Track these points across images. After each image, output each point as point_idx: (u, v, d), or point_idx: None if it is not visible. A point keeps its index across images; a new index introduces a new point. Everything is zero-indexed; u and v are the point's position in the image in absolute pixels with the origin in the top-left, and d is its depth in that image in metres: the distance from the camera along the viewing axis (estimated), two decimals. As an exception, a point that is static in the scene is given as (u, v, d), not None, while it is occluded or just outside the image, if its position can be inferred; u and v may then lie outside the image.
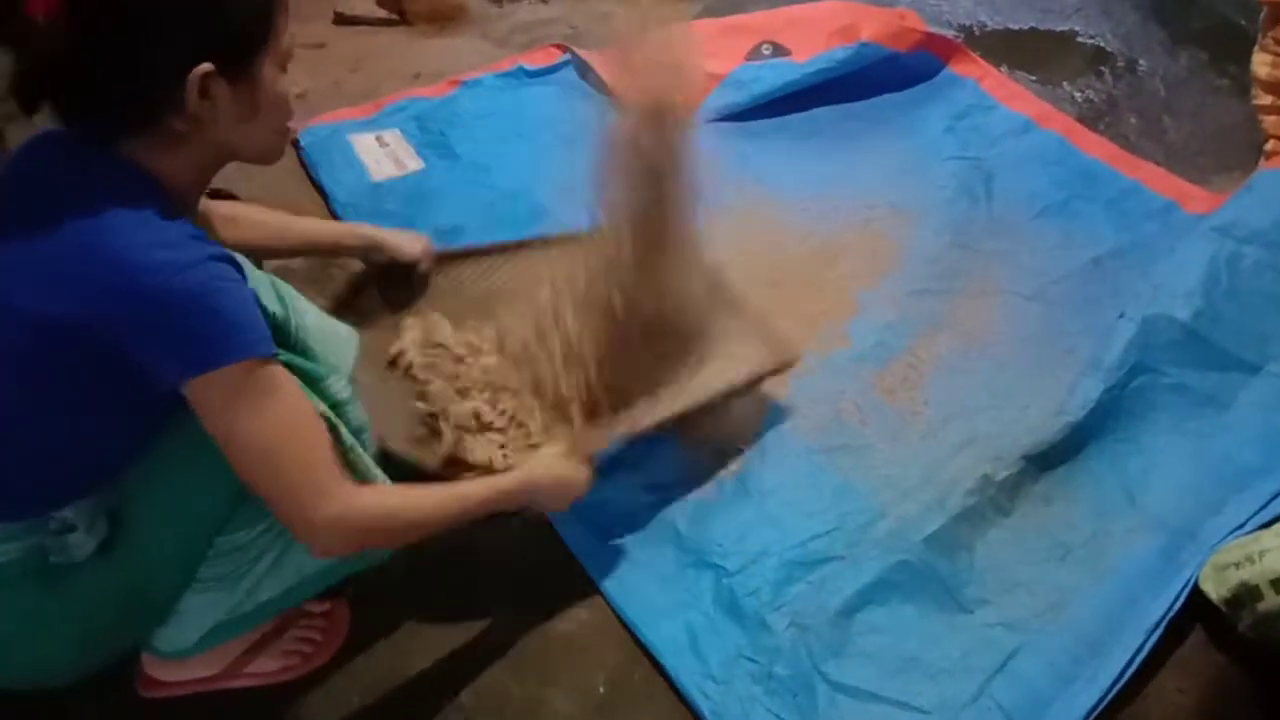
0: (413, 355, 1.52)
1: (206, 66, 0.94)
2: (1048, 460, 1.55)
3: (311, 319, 1.24)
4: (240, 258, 1.02)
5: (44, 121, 1.01)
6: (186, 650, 1.17)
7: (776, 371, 1.59)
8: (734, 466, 1.57)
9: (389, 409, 1.42)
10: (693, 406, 1.47)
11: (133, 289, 0.90)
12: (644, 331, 1.52)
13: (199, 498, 1.06)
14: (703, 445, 1.59)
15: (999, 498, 1.50)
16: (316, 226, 1.56)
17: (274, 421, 0.96)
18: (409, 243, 1.58)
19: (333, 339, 1.25)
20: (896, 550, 1.41)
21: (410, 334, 1.54)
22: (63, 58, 0.94)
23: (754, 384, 1.57)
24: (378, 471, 1.14)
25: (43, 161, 1.00)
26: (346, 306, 1.52)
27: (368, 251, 1.56)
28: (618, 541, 1.46)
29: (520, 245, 1.71)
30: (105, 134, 0.97)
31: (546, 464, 1.29)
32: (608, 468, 1.49)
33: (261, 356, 0.95)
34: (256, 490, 0.99)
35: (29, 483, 1.01)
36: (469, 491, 1.16)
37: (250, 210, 1.40)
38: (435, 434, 1.44)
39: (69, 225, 0.92)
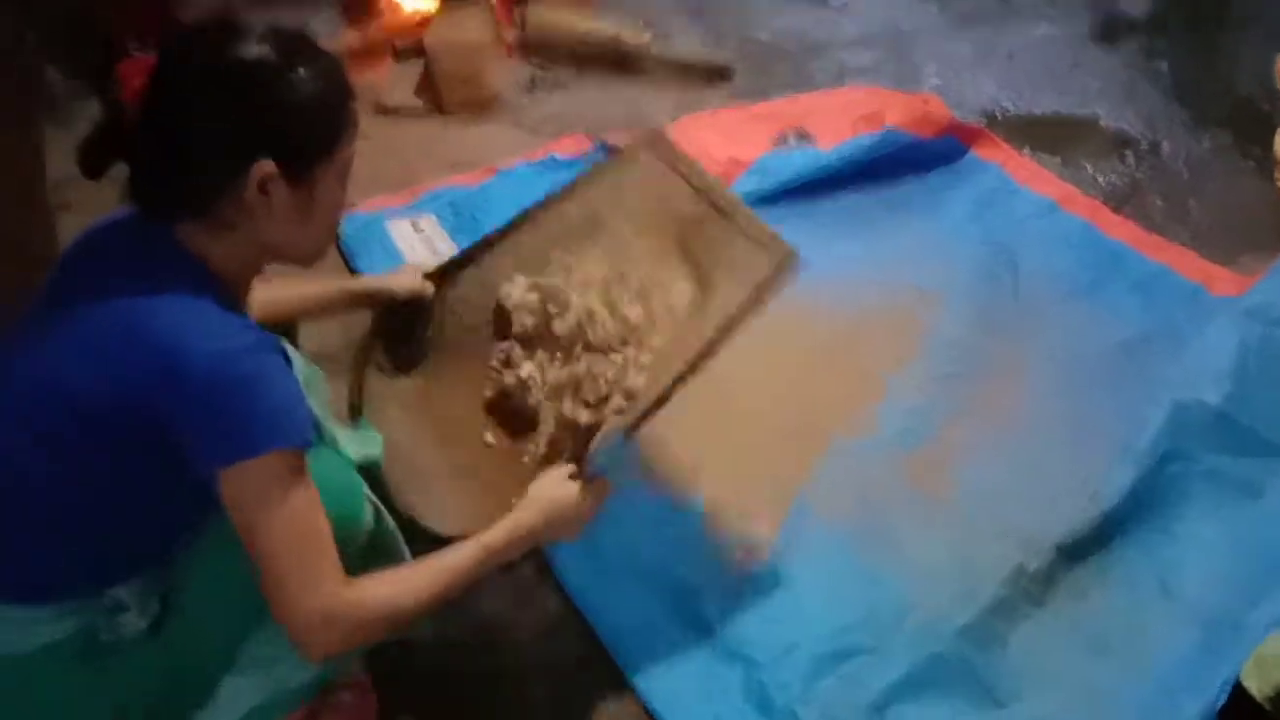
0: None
1: (270, 166, 0.99)
2: (1081, 549, 1.54)
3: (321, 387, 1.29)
4: (284, 347, 1.05)
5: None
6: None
7: (779, 273, 1.45)
8: (763, 556, 1.57)
9: (419, 476, 1.41)
10: (707, 347, 1.38)
11: (182, 374, 0.94)
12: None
13: (248, 577, 1.08)
14: (731, 532, 1.60)
15: (1032, 588, 1.49)
16: (322, 289, 1.52)
17: (284, 523, 0.97)
18: (406, 280, 1.55)
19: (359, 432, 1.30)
20: (928, 643, 1.40)
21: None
22: (139, 133, 1.00)
23: (762, 296, 1.44)
24: (403, 547, 1.18)
25: (103, 246, 1.05)
26: (366, 364, 1.52)
27: (372, 301, 1.54)
28: (646, 633, 1.46)
29: (507, 231, 1.63)
30: (166, 212, 1.02)
31: (536, 501, 1.22)
32: (639, 553, 1.50)
33: (296, 447, 0.98)
34: (256, 577, 0.99)
35: (82, 563, 1.03)
36: (456, 560, 1.12)
37: (260, 290, 1.41)
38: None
39: (124, 309, 0.97)
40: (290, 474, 0.98)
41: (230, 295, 1.04)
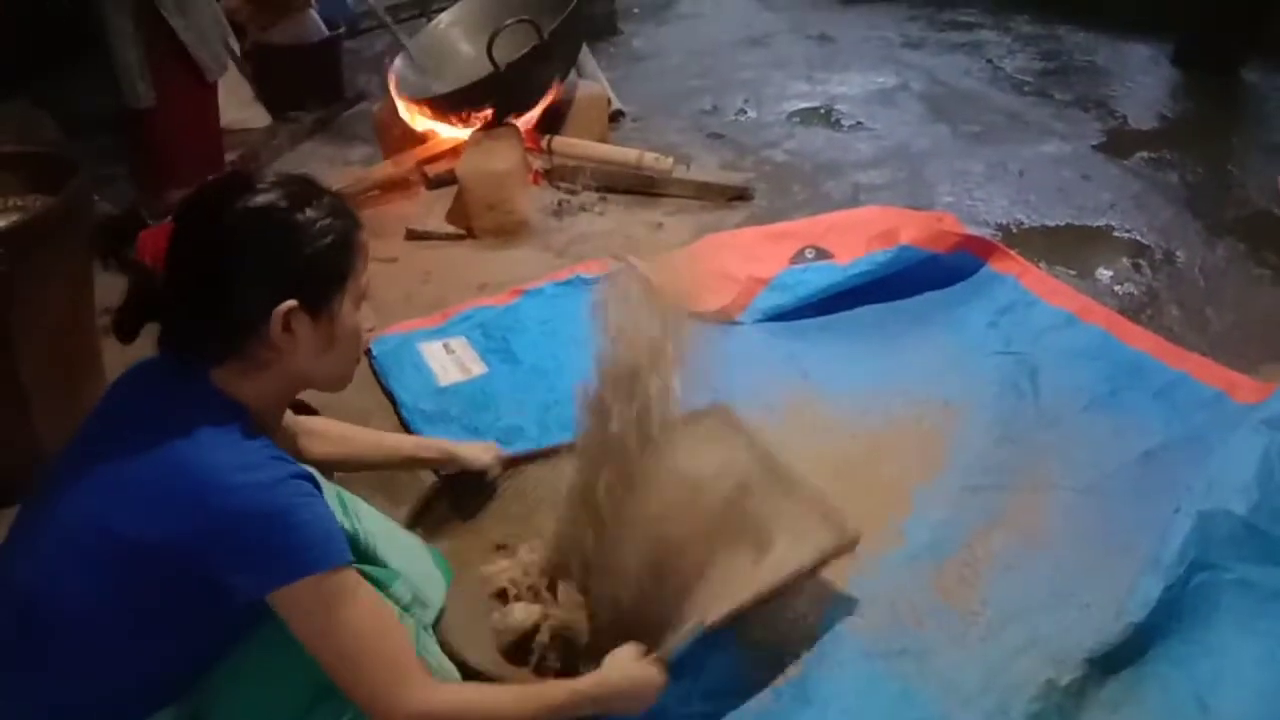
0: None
1: (290, 304, 1.06)
2: (1112, 663, 1.52)
3: (378, 527, 1.32)
4: (314, 471, 1.10)
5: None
6: None
7: (841, 550, 1.56)
8: (791, 672, 1.56)
9: (465, 617, 1.44)
10: (763, 593, 1.46)
11: (219, 509, 0.99)
12: (686, 531, 1.53)
13: (279, 699, 1.11)
14: (761, 647, 1.59)
15: (1064, 704, 1.47)
16: (397, 441, 1.66)
17: (355, 625, 1.02)
18: (481, 452, 1.66)
19: (401, 546, 1.33)
20: (962, 761, 1.38)
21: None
22: (163, 297, 1.06)
23: (821, 565, 1.54)
24: (450, 666, 1.19)
25: (138, 390, 1.11)
26: (421, 516, 1.61)
27: (442, 463, 1.64)
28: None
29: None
30: (197, 362, 1.08)
31: (622, 667, 1.29)
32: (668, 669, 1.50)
33: (340, 566, 1.02)
34: (344, 691, 1.03)
35: (111, 692, 1.06)
36: (546, 693, 1.19)
37: (333, 425, 1.51)
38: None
39: (161, 450, 1.02)
40: (341, 590, 1.02)
41: (264, 428, 1.10)
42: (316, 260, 1.08)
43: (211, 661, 1.12)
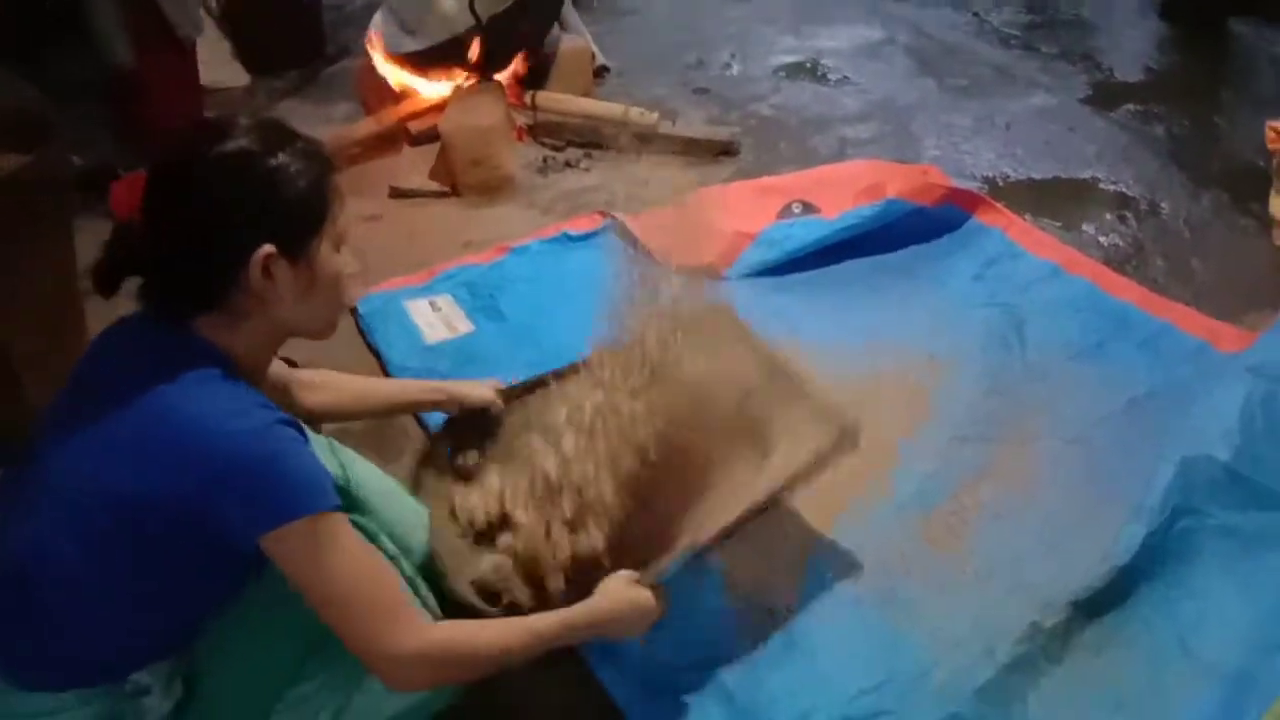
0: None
1: (268, 249, 1.05)
2: (1097, 607, 1.54)
3: (368, 477, 1.33)
4: (300, 423, 1.09)
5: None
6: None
7: (840, 449, 1.53)
8: (781, 620, 1.57)
9: (457, 555, 1.46)
10: (758, 504, 1.45)
11: (209, 456, 0.99)
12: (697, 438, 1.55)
13: (272, 653, 1.11)
14: (749, 597, 1.61)
15: (1050, 646, 1.49)
16: (394, 388, 1.65)
17: (347, 568, 1.03)
18: (480, 390, 1.64)
19: (390, 497, 1.33)
20: (948, 703, 1.41)
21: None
22: (141, 250, 1.06)
23: (821, 466, 1.52)
24: (437, 611, 1.20)
25: (121, 346, 1.10)
26: (428, 463, 1.59)
27: (442, 405, 1.62)
28: (666, 700, 1.46)
29: (578, 366, 1.70)
30: (179, 313, 1.07)
31: (613, 593, 1.29)
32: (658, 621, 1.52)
33: (328, 510, 1.03)
34: (338, 633, 1.04)
35: (108, 649, 1.07)
36: (539, 624, 1.18)
37: (330, 376, 1.50)
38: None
39: (147, 403, 1.01)
40: (330, 533, 1.03)
41: (250, 377, 1.09)
42: (292, 204, 1.07)
43: (208, 615, 1.12)
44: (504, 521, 1.51)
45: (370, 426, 2.01)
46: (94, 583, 1.03)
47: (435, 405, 1.63)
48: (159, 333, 1.08)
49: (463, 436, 1.65)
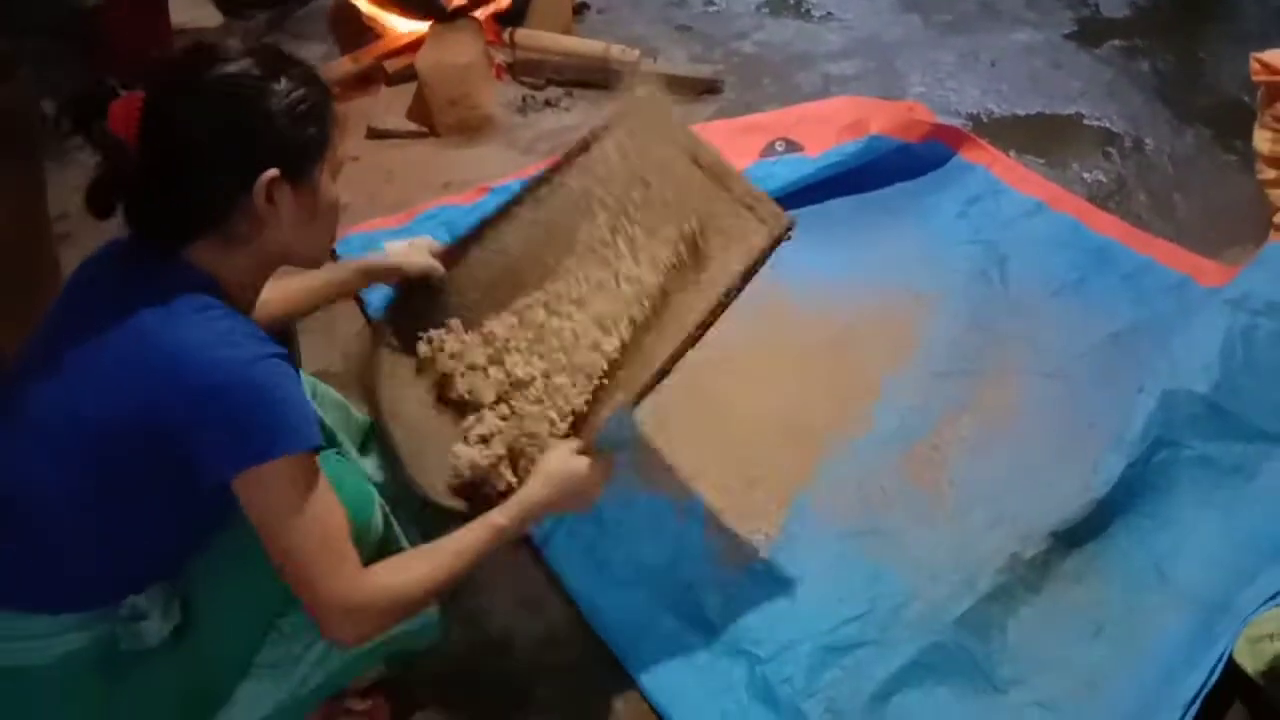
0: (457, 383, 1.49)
1: (273, 173, 1.03)
2: (1076, 537, 1.56)
3: (338, 419, 1.32)
4: (290, 358, 1.08)
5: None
6: (236, 743, 1.20)
7: (776, 242, 1.44)
8: (763, 554, 1.59)
9: (430, 455, 1.41)
10: (707, 318, 1.38)
11: (198, 384, 0.97)
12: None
13: (264, 578, 1.11)
14: (731, 530, 1.62)
15: (1029, 576, 1.51)
16: (329, 271, 1.49)
17: (312, 511, 1.01)
18: (416, 254, 1.55)
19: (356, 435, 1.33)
20: (928, 632, 1.43)
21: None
22: (139, 171, 1.03)
23: (759, 264, 1.43)
24: (404, 543, 1.22)
25: (105, 273, 1.08)
26: (379, 344, 1.51)
27: (382, 278, 1.54)
28: (651, 633, 1.48)
29: (512, 205, 1.64)
30: (173, 238, 1.05)
31: (545, 473, 1.25)
32: (641, 554, 1.53)
33: (307, 451, 1.02)
34: (282, 574, 1.03)
35: (99, 574, 1.06)
36: (466, 544, 1.15)
37: (281, 284, 1.39)
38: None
39: (133, 328, 1.00)
40: (304, 476, 1.01)
41: (238, 306, 1.08)
42: (295, 129, 1.05)
43: (196, 543, 1.12)
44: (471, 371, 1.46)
45: (348, 365, 2.00)
46: (77, 508, 1.02)
47: (377, 279, 1.54)
48: (147, 259, 1.06)
49: (407, 309, 1.54)
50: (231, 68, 1.03)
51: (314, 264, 1.17)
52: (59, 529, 1.03)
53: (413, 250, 1.55)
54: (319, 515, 1.02)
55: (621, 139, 1.58)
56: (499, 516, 1.19)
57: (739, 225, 1.47)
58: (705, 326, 1.37)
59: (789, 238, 1.43)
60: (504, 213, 1.62)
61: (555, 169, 1.63)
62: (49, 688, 1.06)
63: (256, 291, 1.14)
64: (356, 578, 1.04)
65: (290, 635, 1.16)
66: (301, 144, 1.06)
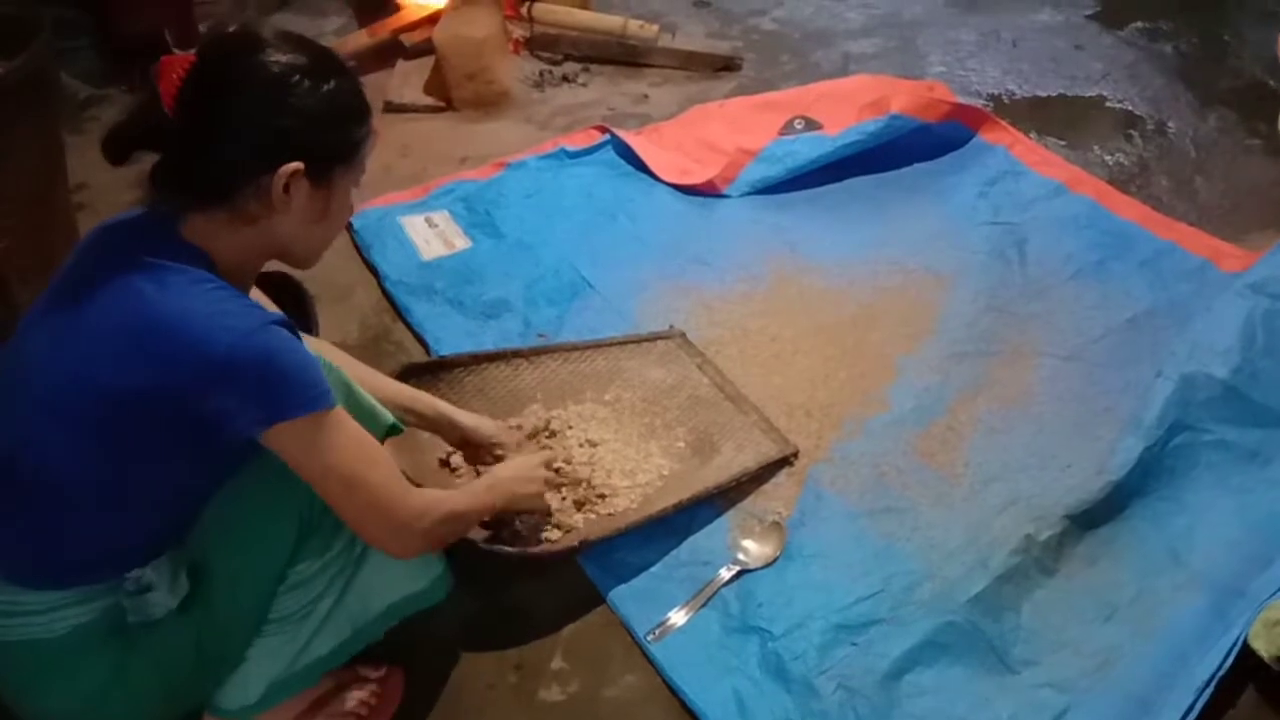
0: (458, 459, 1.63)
1: (296, 166, 1.06)
2: (1091, 520, 1.56)
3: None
4: (292, 323, 1.09)
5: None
6: (249, 707, 1.21)
7: (780, 462, 1.68)
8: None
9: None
10: (703, 492, 1.58)
11: (205, 355, 0.99)
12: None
13: (268, 528, 1.14)
14: (745, 509, 1.62)
15: (1043, 558, 1.51)
16: (396, 393, 1.49)
17: (348, 454, 1.07)
18: (485, 431, 1.56)
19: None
20: (942, 612, 1.43)
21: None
22: (167, 127, 1.04)
23: (761, 471, 1.66)
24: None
25: (108, 243, 1.10)
26: None
27: (447, 432, 1.55)
28: (664, 607, 1.48)
29: (540, 351, 1.85)
30: (186, 199, 1.07)
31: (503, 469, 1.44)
32: (655, 530, 1.54)
33: (325, 409, 1.05)
34: (345, 514, 1.10)
35: (101, 545, 1.07)
36: (480, 486, 1.39)
37: (334, 353, 1.43)
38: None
39: (134, 297, 1.01)
40: (337, 420, 1.06)
41: (233, 283, 1.08)
42: (330, 131, 1.09)
43: (198, 511, 1.13)
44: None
45: (365, 341, 2.01)
46: (79, 478, 1.03)
47: (438, 429, 1.55)
48: (149, 231, 1.07)
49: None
50: (286, 58, 1.06)
51: (303, 264, 1.19)
52: (59, 498, 1.05)
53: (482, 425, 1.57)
54: (362, 449, 1.09)
55: (654, 348, 1.90)
56: (483, 479, 1.42)
57: (754, 439, 1.71)
58: (696, 500, 1.58)
59: (791, 463, 1.69)
60: (530, 353, 1.83)
61: (588, 345, 1.89)
62: (63, 659, 1.08)
63: (250, 276, 1.16)
64: (413, 490, 1.17)
65: (296, 588, 1.17)
66: (332, 146, 1.10)
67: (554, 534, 1.52)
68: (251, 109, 1.04)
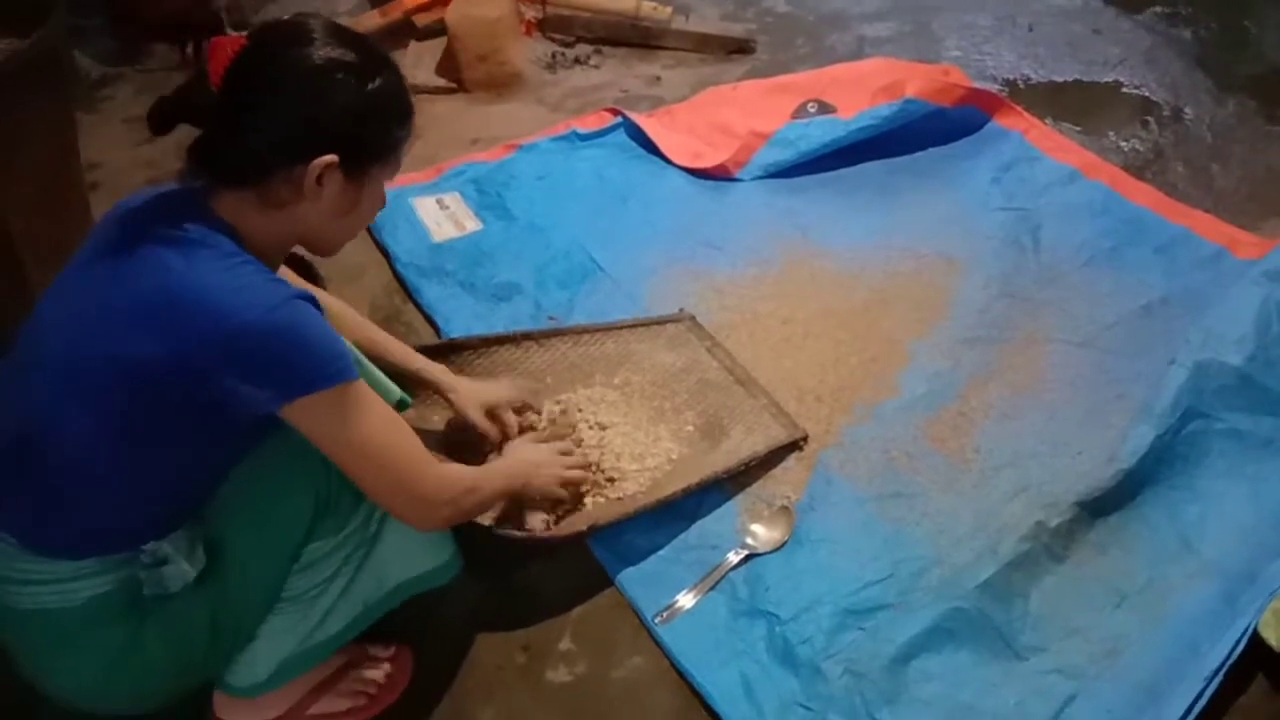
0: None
1: (331, 158, 1.07)
2: (1101, 507, 1.55)
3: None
4: (315, 298, 1.09)
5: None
6: (259, 684, 1.22)
7: (790, 446, 1.69)
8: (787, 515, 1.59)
9: None
10: (712, 476, 1.57)
11: (227, 328, 0.99)
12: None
13: (284, 505, 1.15)
14: (754, 492, 1.62)
15: (1053, 544, 1.50)
16: (401, 355, 1.54)
17: (374, 428, 1.08)
18: (474, 411, 1.56)
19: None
20: (950, 597, 1.42)
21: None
22: (213, 104, 1.05)
23: (770, 456, 1.66)
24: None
25: (140, 214, 1.10)
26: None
27: (444, 397, 1.57)
28: (672, 590, 1.49)
29: (550, 334, 1.86)
30: (221, 175, 1.08)
31: (521, 452, 1.49)
32: (663, 512, 1.54)
33: (348, 381, 1.06)
34: (370, 487, 1.11)
35: (121, 516, 1.08)
36: (497, 466, 1.45)
37: (344, 309, 1.47)
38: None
39: (159, 271, 1.02)
40: (360, 393, 1.07)
41: (261, 259, 1.09)
42: (370, 129, 1.10)
43: (216, 485, 1.14)
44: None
45: (376, 322, 2.01)
46: (98, 449, 1.04)
47: (438, 392, 1.57)
48: (181, 204, 1.08)
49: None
50: (334, 53, 1.07)
51: (325, 253, 1.20)
52: (76, 469, 1.05)
53: (484, 391, 1.59)
54: (387, 425, 1.10)
55: (663, 331, 1.90)
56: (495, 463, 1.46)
57: (763, 423, 1.72)
58: (704, 485, 1.58)
59: (800, 448, 1.70)
60: (542, 336, 1.84)
61: (598, 328, 1.89)
62: (78, 630, 1.08)
63: (275, 259, 1.16)
64: (436, 464, 1.18)
65: (310, 566, 1.18)
66: (370, 143, 1.11)
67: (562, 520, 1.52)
68: (291, 99, 1.06)
